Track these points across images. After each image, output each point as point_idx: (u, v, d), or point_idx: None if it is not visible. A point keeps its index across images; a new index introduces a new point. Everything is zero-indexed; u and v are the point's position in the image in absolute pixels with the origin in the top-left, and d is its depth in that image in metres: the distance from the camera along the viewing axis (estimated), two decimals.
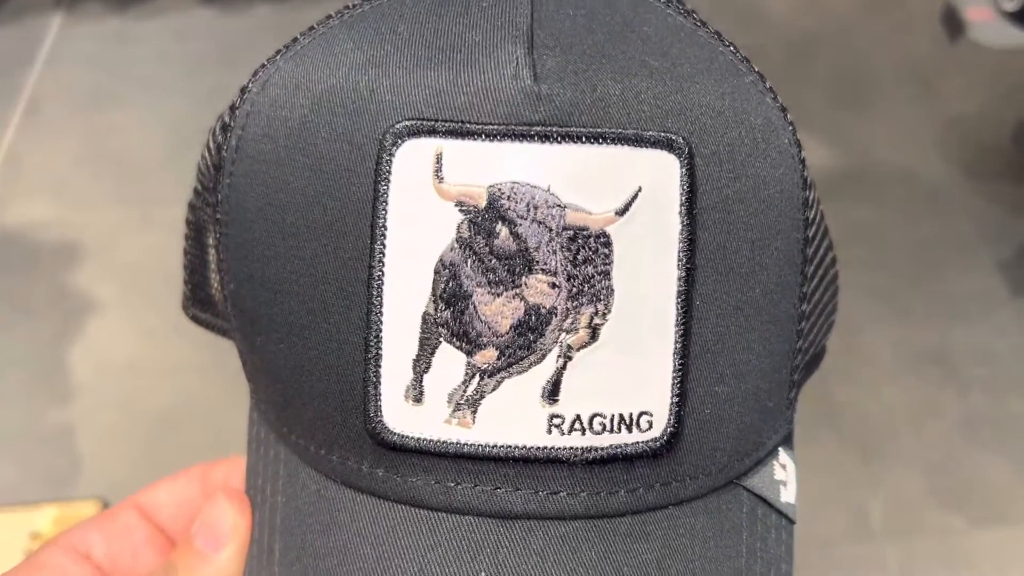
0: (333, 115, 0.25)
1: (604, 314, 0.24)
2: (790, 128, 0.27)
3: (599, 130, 0.24)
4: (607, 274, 0.24)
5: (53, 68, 1.61)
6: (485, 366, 0.24)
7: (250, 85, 0.28)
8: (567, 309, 0.24)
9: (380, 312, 0.25)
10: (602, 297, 0.24)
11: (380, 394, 0.25)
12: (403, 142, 0.24)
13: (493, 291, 0.24)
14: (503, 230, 0.24)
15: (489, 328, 0.24)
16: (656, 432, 0.25)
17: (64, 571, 0.29)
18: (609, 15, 0.26)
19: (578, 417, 0.25)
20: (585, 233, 0.24)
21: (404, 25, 0.26)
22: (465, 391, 0.25)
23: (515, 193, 0.24)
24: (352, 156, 0.25)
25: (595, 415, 0.25)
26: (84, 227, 1.33)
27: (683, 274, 0.25)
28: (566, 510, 0.25)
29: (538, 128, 0.24)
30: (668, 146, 0.24)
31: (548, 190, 0.24)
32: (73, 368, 1.16)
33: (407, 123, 0.24)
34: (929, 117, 1.46)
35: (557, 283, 0.24)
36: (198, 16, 1.72)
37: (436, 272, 0.24)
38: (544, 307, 0.24)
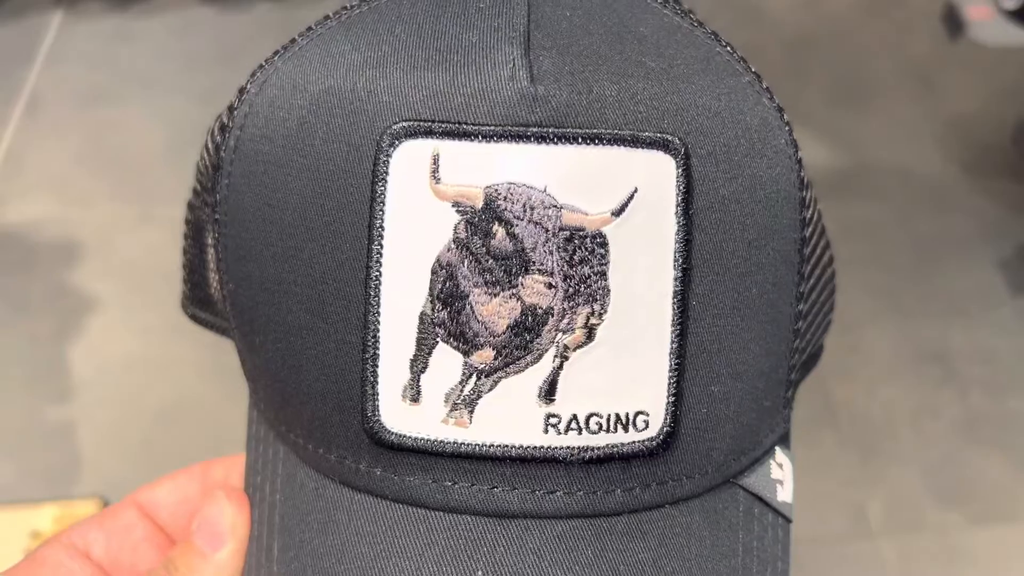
0: (331, 116, 0.25)
1: (600, 314, 0.24)
2: (786, 128, 0.27)
3: (595, 131, 0.24)
4: (603, 274, 0.24)
5: (53, 66, 1.61)
6: (482, 366, 0.25)
7: (248, 86, 0.28)
8: (563, 309, 0.24)
9: (378, 312, 0.25)
10: (598, 297, 0.24)
11: (378, 394, 0.25)
12: (400, 143, 0.24)
13: (490, 291, 0.24)
14: (500, 231, 0.24)
15: (486, 328, 0.24)
16: (652, 432, 0.25)
17: (64, 569, 0.29)
18: (606, 16, 0.27)
19: (575, 417, 0.25)
20: (581, 234, 0.24)
21: (401, 26, 0.26)
22: (462, 391, 0.25)
23: (512, 194, 0.24)
24: (349, 157, 0.25)
25: (591, 415, 0.25)
26: (83, 225, 1.33)
27: (679, 274, 0.25)
28: (563, 509, 0.25)
29: (535, 129, 0.24)
30: (664, 147, 0.24)
31: (544, 191, 0.24)
32: (72, 366, 1.16)
33: (404, 124, 0.24)
34: (929, 115, 1.46)
35: (553, 283, 0.24)
36: (198, 14, 1.72)
37: (433, 272, 0.24)
38: (541, 307, 0.24)
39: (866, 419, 1.09)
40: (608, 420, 0.25)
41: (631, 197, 0.24)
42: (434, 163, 0.24)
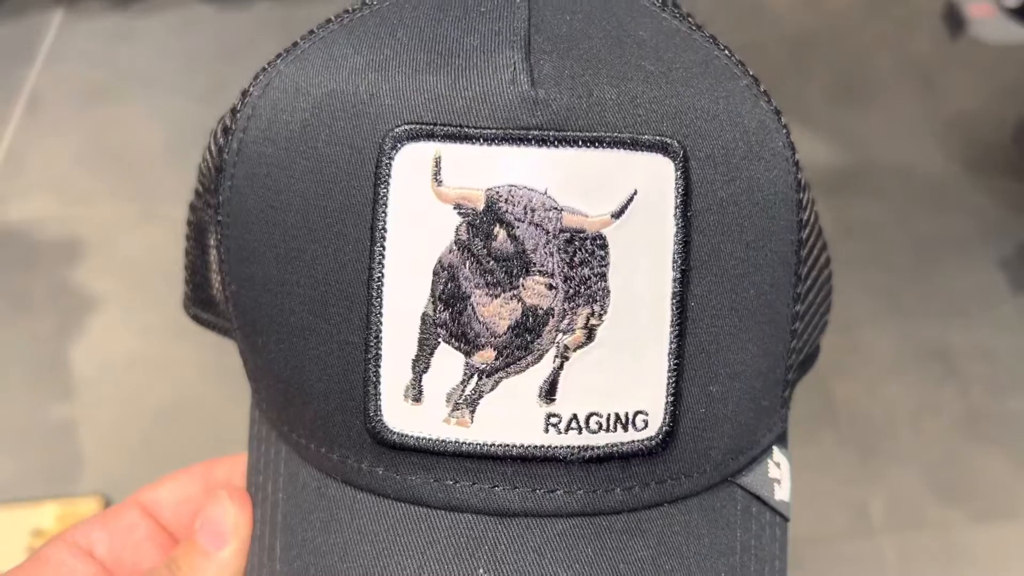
0: (333, 119, 0.25)
1: (600, 315, 0.25)
2: (784, 131, 0.27)
3: (595, 134, 0.24)
4: (603, 276, 0.24)
5: (53, 65, 1.61)
6: (483, 366, 0.25)
7: (251, 88, 0.28)
8: (564, 310, 0.24)
9: (380, 313, 0.25)
10: (598, 298, 0.24)
11: (380, 394, 0.25)
12: (402, 146, 0.24)
13: (491, 292, 0.24)
14: (501, 232, 0.24)
15: (487, 329, 0.24)
16: (651, 431, 0.26)
17: (68, 567, 0.30)
18: (605, 20, 0.27)
19: (575, 416, 0.25)
20: (581, 235, 0.24)
21: (403, 30, 0.26)
22: (463, 391, 0.25)
23: (512, 196, 0.24)
24: (352, 159, 0.25)
25: (591, 414, 0.25)
26: (84, 223, 1.33)
27: (678, 276, 0.25)
28: (563, 508, 0.26)
29: (535, 132, 0.24)
30: (663, 150, 0.24)
31: (545, 193, 0.24)
32: (74, 364, 1.16)
33: (406, 127, 0.24)
34: (930, 114, 1.46)
35: (554, 284, 0.24)
36: (198, 12, 1.72)
37: (435, 274, 0.24)
38: (541, 308, 0.24)
39: (867, 418, 1.10)
40: (608, 420, 0.25)
41: (631, 199, 0.24)
42: (436, 165, 0.24)
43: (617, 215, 0.24)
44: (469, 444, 0.25)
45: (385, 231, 0.25)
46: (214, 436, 1.03)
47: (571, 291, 0.24)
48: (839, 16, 1.66)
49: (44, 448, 1.08)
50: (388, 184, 0.24)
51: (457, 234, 0.24)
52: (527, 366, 0.25)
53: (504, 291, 0.24)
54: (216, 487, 0.31)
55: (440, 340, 0.25)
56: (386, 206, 0.24)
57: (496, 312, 0.24)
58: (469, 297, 0.24)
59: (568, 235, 0.24)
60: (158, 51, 1.64)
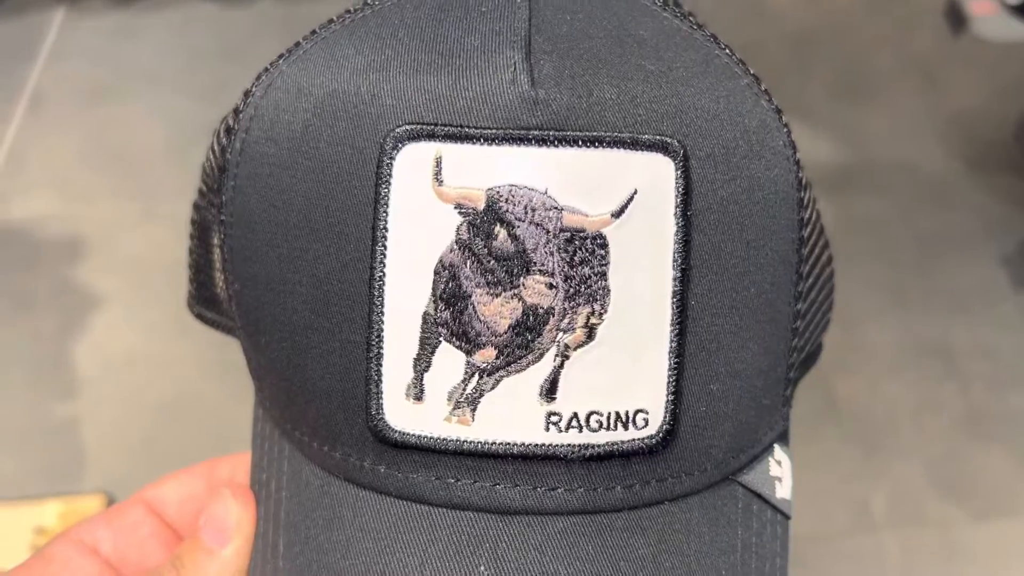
0: (335, 119, 0.26)
1: (600, 314, 0.25)
2: (785, 130, 0.27)
3: (595, 134, 0.24)
4: (603, 275, 0.24)
5: (55, 63, 1.61)
6: (484, 365, 0.25)
7: (253, 89, 0.28)
8: (564, 309, 0.24)
9: (381, 312, 0.25)
10: (598, 297, 0.25)
11: (382, 392, 0.25)
12: (403, 146, 0.24)
13: (492, 292, 0.24)
14: (501, 232, 0.24)
15: (488, 328, 0.25)
16: (652, 429, 0.26)
17: (73, 564, 0.30)
18: (605, 19, 0.27)
19: (575, 415, 0.25)
20: (582, 235, 0.24)
21: (404, 30, 0.26)
22: (464, 389, 0.25)
23: (513, 196, 0.24)
24: (353, 159, 0.25)
25: (592, 413, 0.25)
26: (86, 221, 1.33)
27: (678, 274, 0.25)
28: (564, 505, 0.26)
29: (535, 132, 0.24)
30: (663, 149, 0.25)
31: (545, 192, 0.24)
32: (76, 362, 1.16)
33: (407, 127, 0.24)
34: (932, 111, 1.45)
35: (554, 284, 0.24)
36: (200, 10, 1.72)
37: (436, 273, 0.24)
38: (542, 307, 0.24)
39: (868, 415, 1.10)
40: (608, 418, 0.25)
41: (631, 199, 0.24)
42: (437, 165, 0.24)
43: (617, 214, 0.24)
44: (470, 442, 0.25)
45: (386, 231, 0.25)
46: (216, 433, 1.03)
47: (571, 290, 0.24)
48: (840, 14, 1.66)
49: (47, 446, 1.08)
50: (389, 184, 0.25)
51: (458, 234, 0.24)
52: (528, 365, 0.25)
53: (505, 290, 0.24)
54: (220, 485, 0.31)
55: (441, 339, 0.25)
56: (387, 206, 0.25)
57: (497, 311, 0.24)
58: (470, 296, 0.24)
59: (568, 234, 0.24)
60: (160, 49, 1.64)
